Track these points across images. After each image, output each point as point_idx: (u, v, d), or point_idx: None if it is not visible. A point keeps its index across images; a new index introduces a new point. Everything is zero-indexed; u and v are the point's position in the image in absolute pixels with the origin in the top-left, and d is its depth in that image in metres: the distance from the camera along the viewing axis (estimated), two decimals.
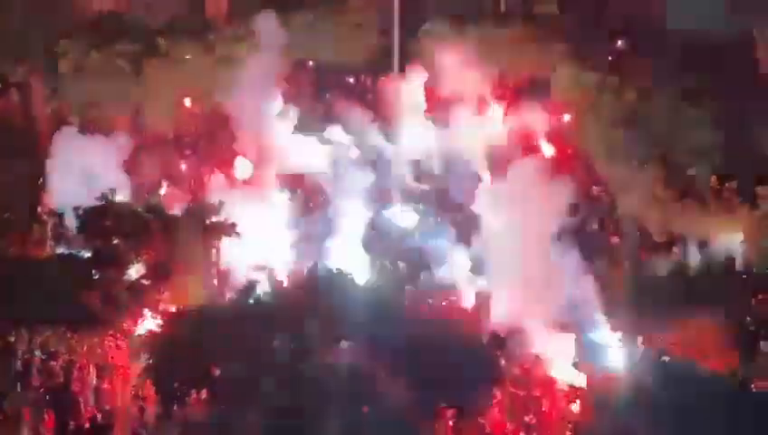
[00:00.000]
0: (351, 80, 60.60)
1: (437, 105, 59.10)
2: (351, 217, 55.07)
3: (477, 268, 53.66)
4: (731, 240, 52.70)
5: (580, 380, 48.56)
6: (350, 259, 53.54)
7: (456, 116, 58.50)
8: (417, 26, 58.70)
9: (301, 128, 57.52)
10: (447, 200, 57.34)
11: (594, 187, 56.54)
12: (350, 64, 59.96)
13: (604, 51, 58.45)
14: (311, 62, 59.91)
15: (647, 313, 50.80)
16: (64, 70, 56.43)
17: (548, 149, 58.42)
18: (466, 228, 54.96)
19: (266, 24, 55.76)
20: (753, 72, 57.19)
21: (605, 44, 58.71)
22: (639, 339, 50.61)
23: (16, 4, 57.43)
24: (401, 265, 54.32)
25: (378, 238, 54.89)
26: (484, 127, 58.72)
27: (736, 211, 53.01)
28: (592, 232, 56.11)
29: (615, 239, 56.11)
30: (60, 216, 51.99)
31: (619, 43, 59.09)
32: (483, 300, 51.80)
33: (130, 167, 55.62)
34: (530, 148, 58.00)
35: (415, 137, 58.66)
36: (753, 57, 57.33)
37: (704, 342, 49.13)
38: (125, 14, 58.77)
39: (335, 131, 57.78)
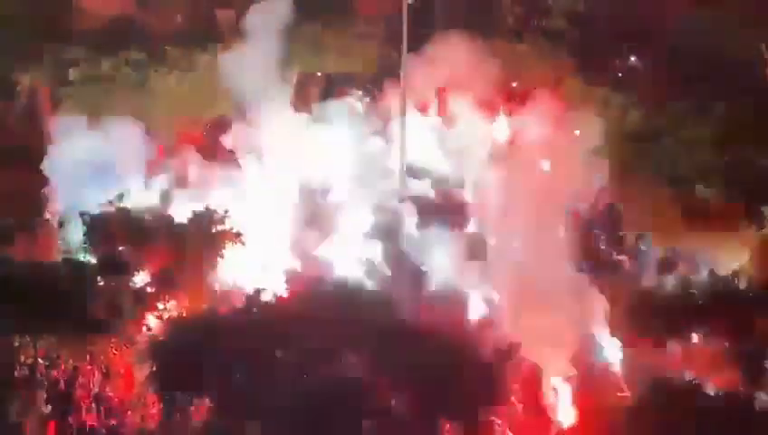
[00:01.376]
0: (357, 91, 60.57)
1: (442, 112, 59.07)
2: (355, 221, 54.96)
3: (482, 276, 53.54)
4: (736, 258, 52.73)
5: (583, 395, 48.60)
6: (352, 265, 53.47)
7: (462, 123, 58.48)
8: (425, 38, 58.57)
9: (304, 131, 57.52)
10: (451, 203, 57.18)
11: (600, 202, 56.47)
12: (357, 74, 60.02)
13: (614, 67, 58.59)
14: (318, 73, 59.99)
15: (651, 329, 50.84)
16: (73, 77, 56.47)
17: (552, 162, 58.37)
18: (470, 235, 54.87)
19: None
20: (761, 90, 57.41)
21: (615, 60, 58.84)
22: (643, 355, 50.65)
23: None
24: (405, 271, 54.19)
25: (381, 243, 54.73)
26: (490, 135, 58.63)
27: (742, 230, 53.10)
28: (597, 247, 56.08)
29: (620, 255, 56.09)
30: (65, 221, 52.05)
31: (631, 59, 59.26)
32: (487, 310, 51.77)
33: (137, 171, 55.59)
34: (534, 159, 57.96)
35: (419, 140, 58.55)
36: (762, 75, 57.57)
37: (708, 359, 49.19)
38: (133, 21, 58.77)
39: (338, 134, 57.69)
